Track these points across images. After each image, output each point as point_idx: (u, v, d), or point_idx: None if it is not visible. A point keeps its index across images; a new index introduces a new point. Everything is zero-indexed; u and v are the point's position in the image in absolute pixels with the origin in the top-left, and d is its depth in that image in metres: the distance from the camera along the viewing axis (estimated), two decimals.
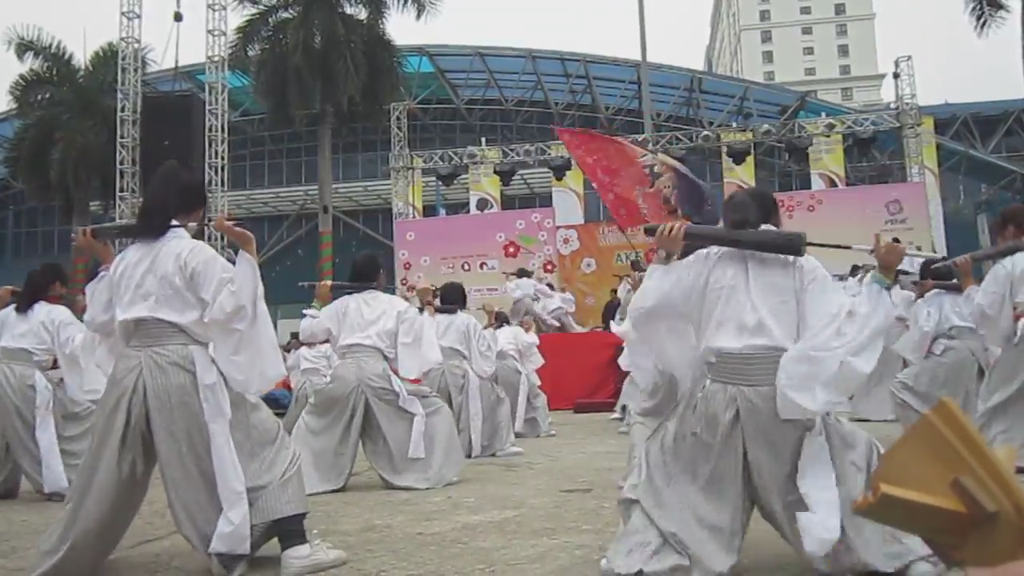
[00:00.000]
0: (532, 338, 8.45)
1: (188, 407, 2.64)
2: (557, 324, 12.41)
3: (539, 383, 8.16)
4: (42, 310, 4.57)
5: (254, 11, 20.45)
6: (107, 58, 20.24)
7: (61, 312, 4.59)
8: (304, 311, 4.89)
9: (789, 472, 2.38)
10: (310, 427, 4.66)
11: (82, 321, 3.90)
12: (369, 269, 4.95)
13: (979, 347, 5.60)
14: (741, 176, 17.70)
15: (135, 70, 17.49)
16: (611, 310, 14.04)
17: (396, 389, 4.65)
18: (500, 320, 8.20)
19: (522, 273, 13.33)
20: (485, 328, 6.95)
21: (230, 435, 2.65)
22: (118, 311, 2.78)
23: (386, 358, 4.75)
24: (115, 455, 2.63)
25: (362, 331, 4.71)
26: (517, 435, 6.74)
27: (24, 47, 20.82)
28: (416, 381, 5.11)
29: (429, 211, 22.53)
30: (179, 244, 2.77)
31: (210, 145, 17.45)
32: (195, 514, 2.63)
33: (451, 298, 6.45)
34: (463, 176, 19.64)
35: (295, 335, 9.20)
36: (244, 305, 2.67)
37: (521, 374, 7.76)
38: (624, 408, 8.26)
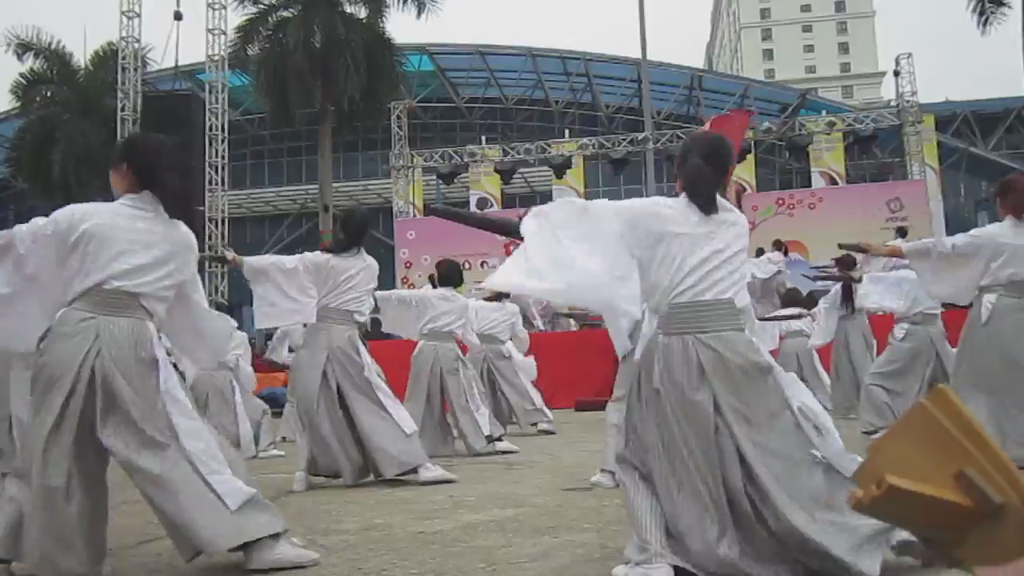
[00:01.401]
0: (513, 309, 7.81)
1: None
2: (543, 327, 12.12)
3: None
4: None
5: (254, 10, 20.46)
6: (107, 57, 20.26)
7: None
8: None
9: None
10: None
11: None
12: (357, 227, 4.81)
13: (938, 334, 5.81)
14: (741, 174, 17.69)
15: (135, 69, 17.51)
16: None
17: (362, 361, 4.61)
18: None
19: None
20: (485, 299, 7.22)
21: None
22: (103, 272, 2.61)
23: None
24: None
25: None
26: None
27: (23, 47, 20.83)
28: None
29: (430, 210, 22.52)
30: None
31: (210, 144, 17.47)
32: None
33: (450, 277, 6.37)
34: (463, 175, 19.65)
35: None
36: None
37: (509, 358, 7.54)
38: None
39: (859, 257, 8.51)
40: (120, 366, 2.54)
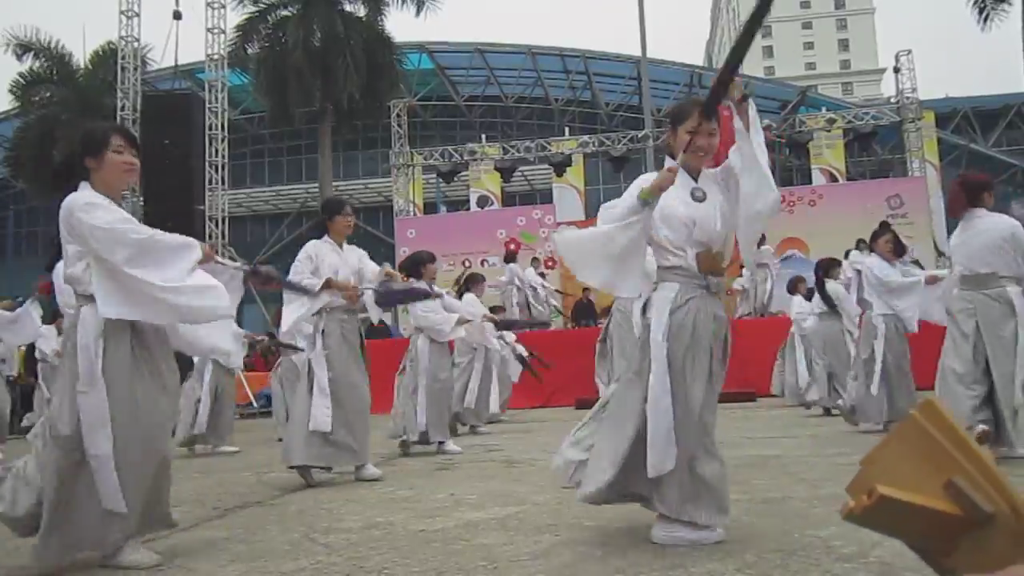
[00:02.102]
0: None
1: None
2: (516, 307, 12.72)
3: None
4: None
5: (253, 9, 20.47)
6: (106, 57, 20.24)
7: None
8: None
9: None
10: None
11: None
12: None
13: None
14: None
15: (135, 69, 17.48)
16: (580, 309, 14.00)
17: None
18: (464, 284, 7.86)
19: (509, 258, 13.52)
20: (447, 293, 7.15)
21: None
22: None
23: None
24: None
25: None
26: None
27: (22, 47, 20.82)
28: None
29: (430, 208, 22.52)
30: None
31: (210, 143, 17.45)
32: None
33: (410, 268, 6.18)
34: (463, 173, 19.64)
35: None
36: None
37: (476, 350, 7.61)
38: None
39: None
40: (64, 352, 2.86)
